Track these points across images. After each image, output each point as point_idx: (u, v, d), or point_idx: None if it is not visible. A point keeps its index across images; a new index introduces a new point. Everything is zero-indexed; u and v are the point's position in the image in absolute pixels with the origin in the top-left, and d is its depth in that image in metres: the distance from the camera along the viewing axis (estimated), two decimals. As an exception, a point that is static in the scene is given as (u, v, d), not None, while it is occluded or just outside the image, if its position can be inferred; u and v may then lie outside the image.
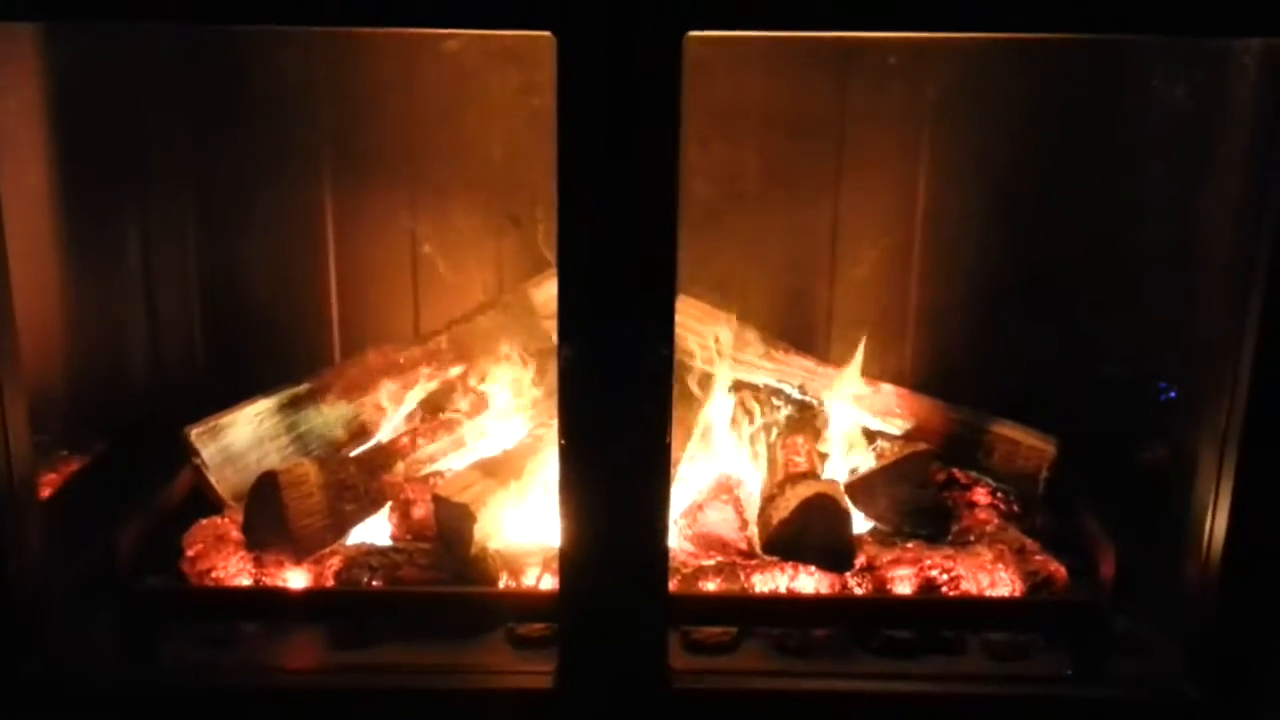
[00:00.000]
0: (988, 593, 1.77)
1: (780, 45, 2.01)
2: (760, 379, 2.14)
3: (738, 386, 2.11)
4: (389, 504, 1.91)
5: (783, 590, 1.76)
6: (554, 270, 1.49)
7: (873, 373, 2.14)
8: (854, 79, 2.12)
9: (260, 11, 1.48)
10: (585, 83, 1.41)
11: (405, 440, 2.00)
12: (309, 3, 1.43)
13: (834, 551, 1.79)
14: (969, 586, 1.77)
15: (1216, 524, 1.60)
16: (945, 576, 1.78)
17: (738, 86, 2.06)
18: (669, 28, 1.39)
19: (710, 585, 1.77)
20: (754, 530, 1.88)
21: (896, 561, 1.80)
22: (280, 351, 2.21)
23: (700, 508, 1.89)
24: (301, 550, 1.79)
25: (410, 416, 2.08)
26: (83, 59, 1.98)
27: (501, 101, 2.07)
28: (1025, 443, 2.04)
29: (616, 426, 1.51)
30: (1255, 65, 1.59)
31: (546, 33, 1.39)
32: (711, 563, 1.82)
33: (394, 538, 1.89)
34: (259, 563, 1.80)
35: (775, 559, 1.80)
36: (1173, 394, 1.95)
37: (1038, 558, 1.83)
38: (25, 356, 1.65)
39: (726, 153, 2.12)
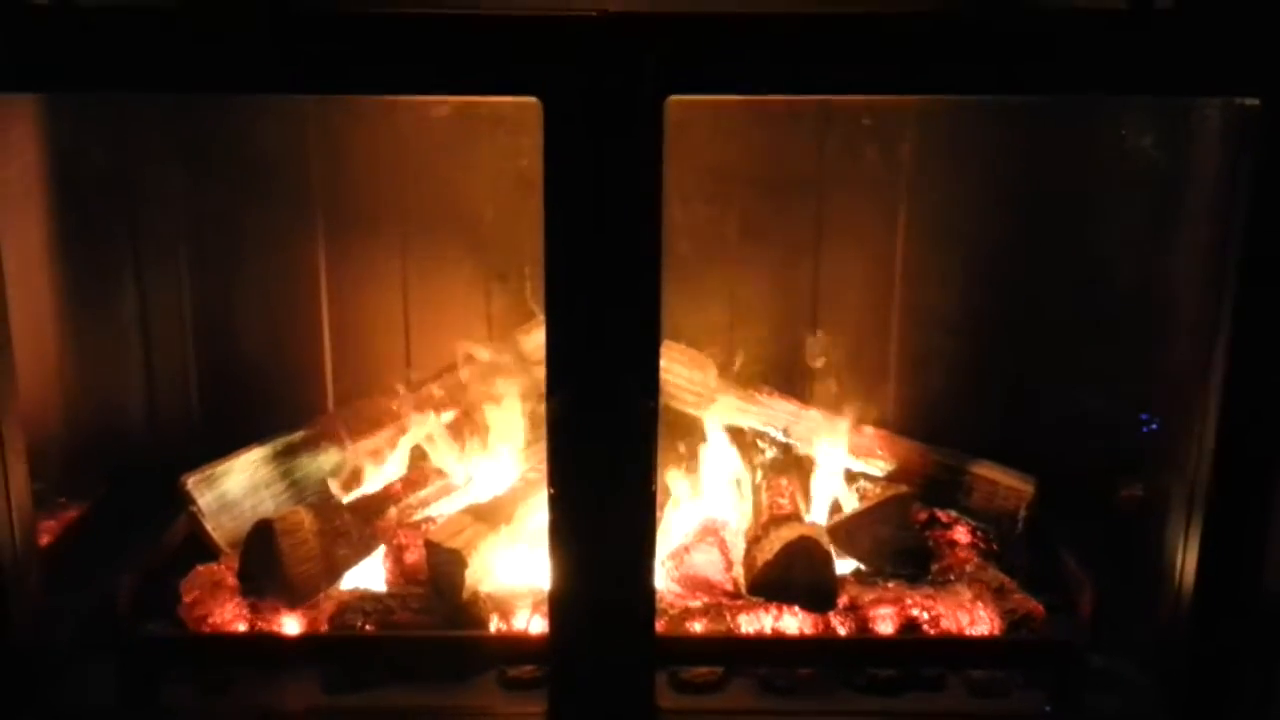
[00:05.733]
0: (968, 631, 1.80)
1: (759, 107, 2.06)
2: (745, 422, 2.18)
3: (723, 430, 2.15)
4: (382, 549, 1.94)
5: (768, 630, 1.80)
6: (541, 320, 1.53)
7: (855, 417, 2.18)
8: (832, 138, 2.16)
9: (252, 81, 1.52)
10: (571, 146, 1.45)
11: (398, 486, 2.03)
12: (300, 72, 1.48)
13: (817, 592, 1.83)
14: (949, 625, 1.80)
15: (1187, 562, 1.64)
16: (926, 615, 1.81)
17: (719, 147, 2.11)
18: (651, 93, 1.44)
19: (697, 626, 1.80)
20: (739, 572, 1.91)
21: (878, 601, 1.83)
22: (275, 400, 2.24)
23: (687, 550, 1.92)
24: (296, 596, 1.81)
25: (403, 463, 2.11)
26: (80, 118, 2.02)
27: (490, 162, 2.11)
28: (1004, 483, 2.07)
29: (604, 474, 1.55)
30: (1218, 119, 1.64)
31: (533, 99, 1.44)
32: (698, 604, 1.85)
33: (387, 583, 1.92)
34: (255, 609, 1.82)
35: (760, 600, 1.83)
36: (1154, 425, 1.98)
37: (1016, 596, 1.86)
38: (24, 405, 1.68)
39: (709, 211, 2.16)
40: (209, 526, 1.97)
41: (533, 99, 1.44)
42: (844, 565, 1.94)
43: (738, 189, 2.19)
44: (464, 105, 2.01)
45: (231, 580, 1.87)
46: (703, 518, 2.00)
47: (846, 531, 1.97)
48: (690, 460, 2.10)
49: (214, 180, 2.20)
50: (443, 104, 2.03)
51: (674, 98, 1.44)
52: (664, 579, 1.88)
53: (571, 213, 1.47)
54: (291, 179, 2.20)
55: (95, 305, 2.16)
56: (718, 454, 2.12)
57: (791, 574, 1.83)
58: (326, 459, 2.08)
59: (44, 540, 1.84)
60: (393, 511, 1.98)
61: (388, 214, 2.23)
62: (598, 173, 1.46)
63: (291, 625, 1.80)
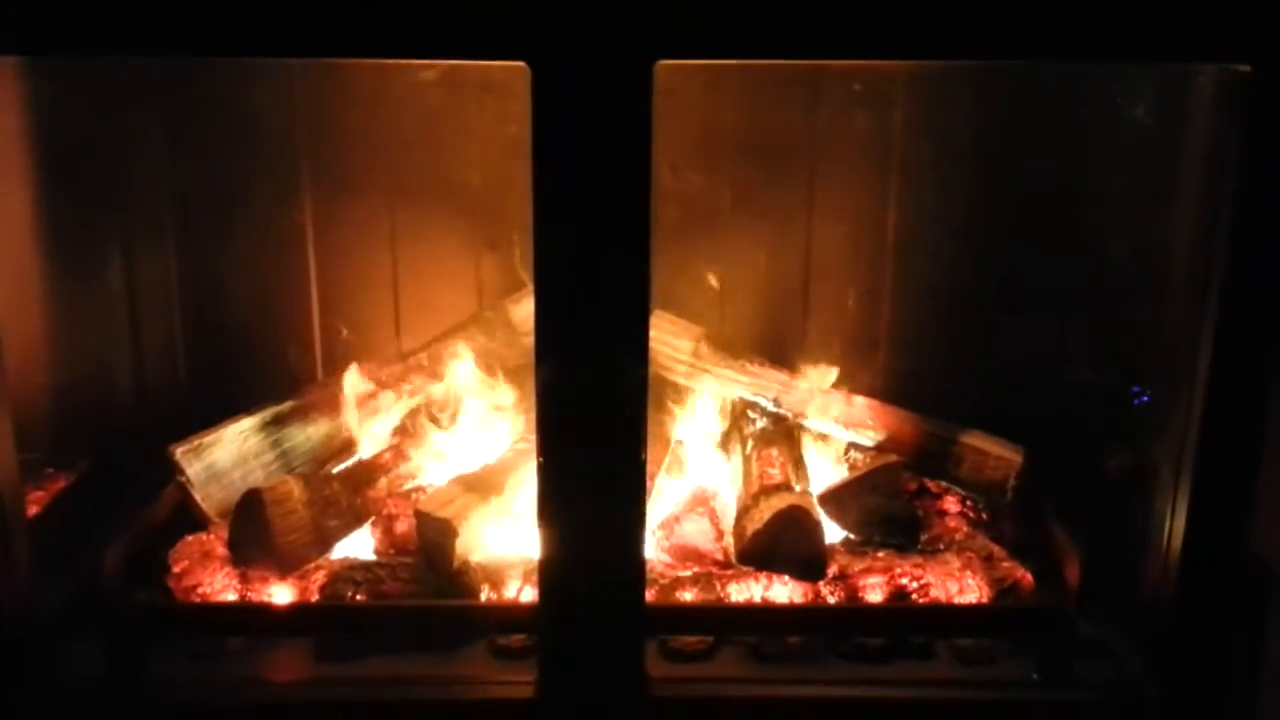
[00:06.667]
0: (956, 599, 1.81)
1: (750, 72, 2.05)
2: (736, 392, 2.18)
3: (714, 399, 2.15)
4: (372, 519, 1.94)
5: (758, 599, 1.80)
6: (531, 288, 1.53)
7: (846, 386, 2.18)
8: (823, 104, 2.16)
9: (236, 45, 1.50)
10: (559, 111, 1.44)
11: (388, 456, 2.03)
12: (285, 35, 1.46)
13: (807, 561, 1.83)
14: (938, 594, 1.81)
15: (1175, 529, 1.64)
16: (915, 584, 1.82)
17: (709, 113, 2.10)
18: (639, 57, 1.43)
19: (687, 595, 1.80)
20: (729, 541, 1.91)
21: (868, 570, 1.84)
22: (263, 370, 2.23)
23: (677, 519, 1.92)
24: (286, 566, 1.81)
25: (392, 433, 2.11)
26: (64, 82, 2.01)
27: (479, 128, 2.10)
28: (993, 453, 2.08)
29: (593, 444, 1.55)
30: (1211, 86, 1.64)
31: (521, 63, 1.43)
32: (688, 573, 1.85)
33: (377, 552, 1.92)
34: (244, 579, 1.82)
35: (750, 569, 1.84)
36: (1145, 398, 1.99)
37: (1005, 565, 1.87)
38: (11, 376, 1.67)
39: (699, 178, 2.16)
40: (198, 497, 1.97)
41: (521, 63, 1.43)
42: (834, 534, 1.94)
43: (728, 156, 2.18)
44: (452, 70, 2.00)
45: (221, 550, 1.87)
46: (693, 487, 2.00)
47: (836, 501, 1.97)
48: (680, 430, 2.10)
49: (201, 146, 2.18)
50: (431, 68, 2.02)
51: (663, 62, 1.43)
52: (654, 548, 1.89)
53: (560, 179, 1.46)
54: (279, 145, 2.19)
55: (81, 274, 2.15)
56: (707, 424, 2.12)
57: (781, 543, 1.83)
58: (316, 429, 2.08)
59: (32, 511, 1.83)
60: (383, 481, 1.98)
61: (376, 181, 2.22)
62: (587, 138, 1.45)
63: (282, 595, 1.80)
